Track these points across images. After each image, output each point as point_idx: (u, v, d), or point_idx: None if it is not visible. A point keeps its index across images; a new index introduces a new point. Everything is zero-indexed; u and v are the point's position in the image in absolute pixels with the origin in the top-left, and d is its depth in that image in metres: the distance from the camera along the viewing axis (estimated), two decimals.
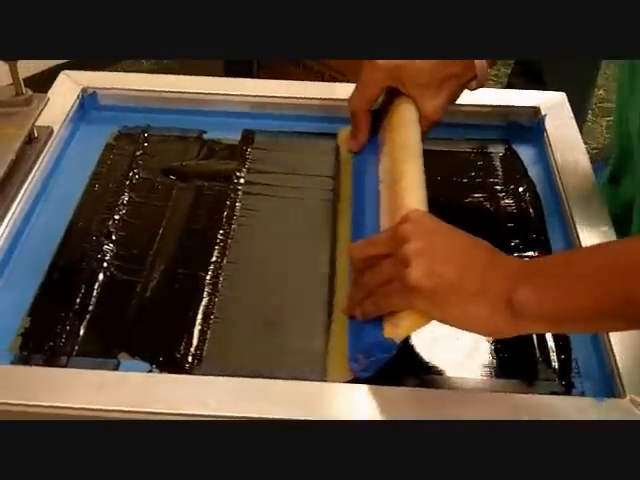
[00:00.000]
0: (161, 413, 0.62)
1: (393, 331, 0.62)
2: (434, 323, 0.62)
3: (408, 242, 0.61)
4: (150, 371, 0.66)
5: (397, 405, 0.63)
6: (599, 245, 0.68)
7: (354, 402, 0.63)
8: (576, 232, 0.78)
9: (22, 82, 0.80)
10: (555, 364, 0.68)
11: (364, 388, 0.64)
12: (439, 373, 0.68)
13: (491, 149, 0.92)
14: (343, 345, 0.67)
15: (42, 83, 0.93)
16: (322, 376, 0.66)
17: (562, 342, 0.70)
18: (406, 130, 0.79)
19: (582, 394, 0.65)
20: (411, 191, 0.71)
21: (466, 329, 0.61)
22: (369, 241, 0.68)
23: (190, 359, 0.67)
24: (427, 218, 0.65)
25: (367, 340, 0.63)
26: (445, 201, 0.84)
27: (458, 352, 0.69)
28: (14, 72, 0.79)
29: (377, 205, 0.75)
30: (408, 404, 0.63)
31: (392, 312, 0.63)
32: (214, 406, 0.62)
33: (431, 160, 0.77)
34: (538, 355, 0.69)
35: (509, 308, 0.57)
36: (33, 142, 0.84)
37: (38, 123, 0.85)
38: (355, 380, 0.64)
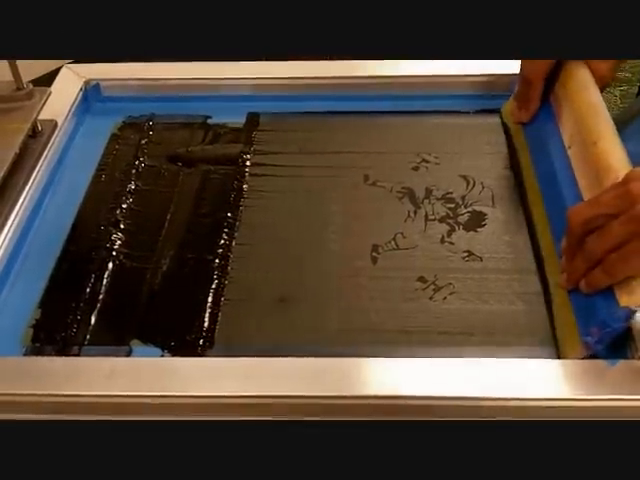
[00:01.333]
0: (175, 396, 0.62)
1: (630, 299, 0.59)
2: None
3: None
4: (162, 356, 0.66)
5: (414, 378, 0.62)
6: None
7: (372, 376, 0.63)
8: None
9: (22, 76, 0.80)
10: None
11: (382, 362, 0.63)
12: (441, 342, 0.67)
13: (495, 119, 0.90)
14: (571, 320, 0.64)
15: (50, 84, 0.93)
16: (336, 353, 0.65)
17: None
18: (588, 92, 0.76)
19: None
20: (614, 151, 0.69)
21: None
22: (591, 202, 0.63)
23: (202, 342, 0.67)
24: None
25: (601, 312, 0.61)
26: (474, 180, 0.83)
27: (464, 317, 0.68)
28: (13, 67, 0.79)
29: (570, 171, 0.72)
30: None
31: (627, 279, 0.60)
32: (229, 387, 0.62)
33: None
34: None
35: None
36: (37, 136, 0.84)
37: (42, 117, 0.85)
38: (592, 356, 0.62)
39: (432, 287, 0.71)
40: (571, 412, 0.60)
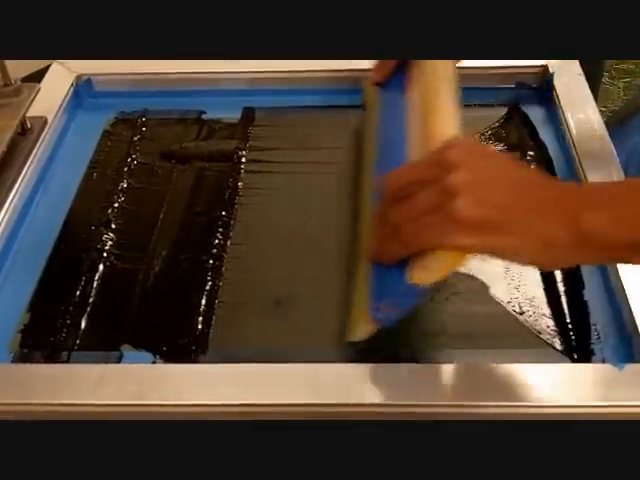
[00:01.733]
0: (167, 405, 0.60)
1: (422, 275, 0.55)
2: None
3: (456, 169, 0.52)
4: (154, 362, 0.64)
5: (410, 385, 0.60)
6: None
7: (371, 384, 0.60)
8: None
9: (9, 72, 0.78)
10: (572, 331, 0.65)
11: (383, 368, 0.61)
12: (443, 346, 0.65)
13: (498, 112, 0.88)
14: (365, 297, 0.60)
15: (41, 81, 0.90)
16: (337, 357, 0.64)
17: (579, 306, 0.67)
18: (440, 63, 0.72)
19: (602, 361, 0.62)
20: (448, 122, 0.64)
21: (519, 260, 0.55)
22: (407, 167, 0.59)
23: (194, 347, 0.65)
24: (474, 143, 0.59)
25: (391, 287, 0.57)
26: None
27: (467, 320, 0.67)
28: (0, 63, 0.77)
29: (405, 139, 0.67)
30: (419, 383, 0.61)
31: (421, 253, 0.55)
32: (223, 394, 0.60)
33: None
34: (554, 322, 0.66)
35: (576, 235, 0.52)
36: (27, 133, 0.82)
37: (32, 114, 0.83)
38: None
39: None
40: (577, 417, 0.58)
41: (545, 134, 0.85)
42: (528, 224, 0.52)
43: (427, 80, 0.71)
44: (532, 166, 0.57)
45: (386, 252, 0.57)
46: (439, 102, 0.67)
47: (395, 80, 0.76)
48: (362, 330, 0.60)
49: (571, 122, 0.82)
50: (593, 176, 0.76)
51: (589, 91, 0.86)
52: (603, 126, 0.81)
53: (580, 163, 0.78)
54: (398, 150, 0.66)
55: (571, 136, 0.81)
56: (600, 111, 0.84)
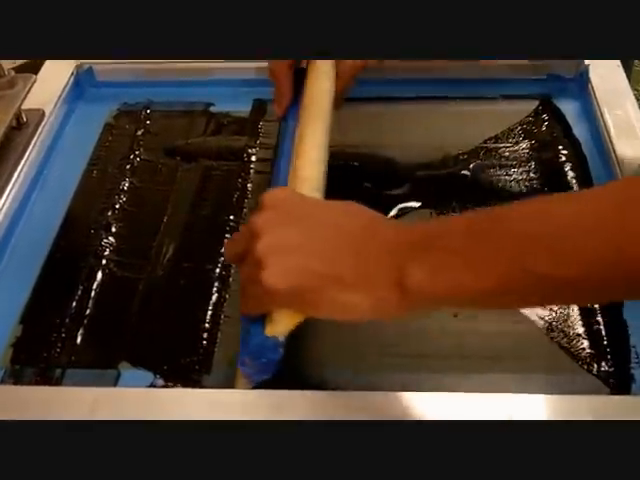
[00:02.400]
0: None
1: (273, 329, 0.55)
2: None
3: (260, 237, 0.51)
4: (152, 384, 0.59)
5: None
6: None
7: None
8: None
9: (2, 63, 0.73)
10: (609, 355, 0.60)
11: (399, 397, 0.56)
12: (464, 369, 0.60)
13: (530, 106, 0.82)
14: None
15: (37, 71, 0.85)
16: (345, 381, 0.59)
17: (617, 326, 0.61)
18: (318, 86, 0.71)
19: None
20: (302, 157, 0.64)
21: (347, 320, 0.52)
22: (230, 240, 0.62)
23: (198, 367, 0.60)
24: (285, 201, 0.54)
25: (251, 341, 0.56)
26: (477, 166, 0.75)
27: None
28: None
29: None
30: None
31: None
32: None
33: (462, 119, 0.71)
34: (586, 342, 0.61)
35: (399, 290, 0.48)
36: (23, 127, 0.76)
37: (28, 106, 0.77)
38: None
39: None
40: None
41: (579, 130, 0.79)
42: (350, 287, 0.49)
43: (304, 105, 0.70)
44: (383, 213, 0.53)
45: (244, 311, 0.57)
46: (304, 132, 0.67)
47: (293, 109, 0.74)
48: (241, 384, 0.58)
49: (608, 118, 0.76)
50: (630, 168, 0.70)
51: (627, 84, 0.80)
52: None
53: (617, 163, 0.72)
54: None
55: (608, 133, 0.75)
56: None
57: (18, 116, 0.76)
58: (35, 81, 0.76)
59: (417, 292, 0.47)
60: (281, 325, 0.55)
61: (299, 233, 0.51)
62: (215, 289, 0.66)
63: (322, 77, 0.72)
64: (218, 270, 0.67)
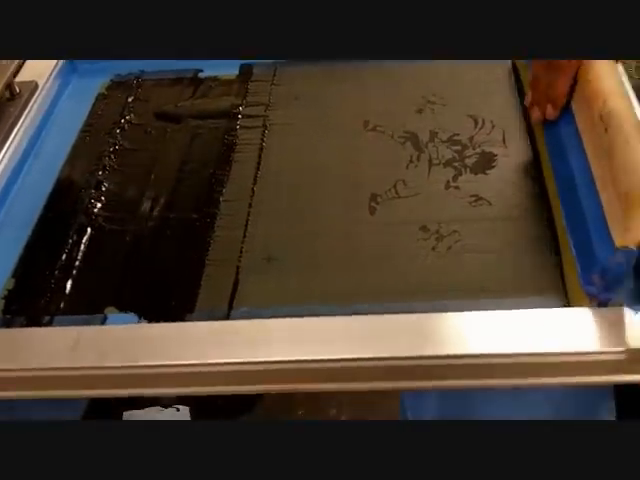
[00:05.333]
0: (147, 366, 0.56)
1: (625, 238, 0.52)
2: None
3: None
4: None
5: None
6: None
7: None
8: None
9: None
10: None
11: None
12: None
13: None
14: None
15: None
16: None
17: None
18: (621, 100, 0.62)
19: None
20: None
21: None
22: None
23: (181, 306, 0.61)
24: None
25: (599, 257, 0.54)
26: None
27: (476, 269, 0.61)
28: None
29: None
30: None
31: (619, 219, 0.53)
32: (209, 354, 0.56)
33: None
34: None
35: None
36: (16, 98, 0.78)
37: (22, 79, 0.80)
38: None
39: (435, 237, 0.64)
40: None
41: None
42: None
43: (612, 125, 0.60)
44: None
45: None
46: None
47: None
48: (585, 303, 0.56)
49: None
50: None
51: None
52: None
53: None
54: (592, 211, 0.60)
55: None
56: None
57: (11, 87, 0.78)
58: None
59: None
60: (636, 232, 0.52)
61: None
62: (199, 237, 0.67)
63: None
64: (203, 219, 0.68)
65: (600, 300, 0.55)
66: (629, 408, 0.57)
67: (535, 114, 0.69)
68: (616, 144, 0.57)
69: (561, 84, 0.66)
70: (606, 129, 0.58)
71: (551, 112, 0.68)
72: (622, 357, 0.53)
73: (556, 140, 0.67)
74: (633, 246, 0.52)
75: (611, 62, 0.65)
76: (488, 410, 0.60)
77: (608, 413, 0.60)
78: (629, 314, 0.54)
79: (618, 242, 0.53)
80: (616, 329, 0.53)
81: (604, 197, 0.57)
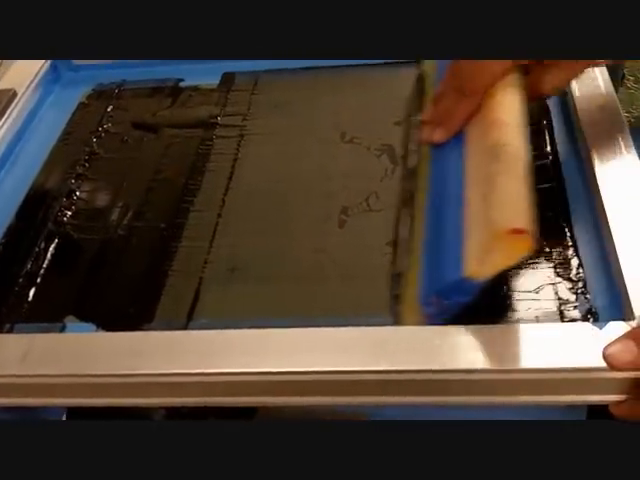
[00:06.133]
0: (96, 375, 0.55)
1: (478, 270, 0.49)
2: None
3: None
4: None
5: None
6: None
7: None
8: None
9: None
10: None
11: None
12: None
13: None
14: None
15: None
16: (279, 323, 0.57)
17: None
18: (509, 103, 0.59)
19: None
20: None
21: None
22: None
23: (140, 316, 0.60)
24: None
25: (446, 280, 0.52)
26: None
27: None
28: None
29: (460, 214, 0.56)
30: None
31: (477, 245, 0.50)
32: (156, 364, 0.55)
33: None
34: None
35: None
36: None
37: (0, 86, 0.79)
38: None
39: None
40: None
41: None
42: None
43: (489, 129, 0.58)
44: None
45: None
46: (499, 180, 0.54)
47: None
48: (414, 321, 0.55)
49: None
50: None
51: None
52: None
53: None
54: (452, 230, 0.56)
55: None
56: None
57: None
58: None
59: None
60: (489, 267, 0.49)
61: None
62: (166, 246, 0.66)
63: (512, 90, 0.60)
64: (170, 229, 0.67)
65: (432, 320, 0.53)
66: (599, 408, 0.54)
67: (425, 134, 0.65)
68: (501, 176, 0.53)
69: (463, 109, 0.61)
70: (496, 159, 0.54)
71: (441, 136, 0.63)
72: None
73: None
74: (481, 279, 0.49)
75: (517, 91, 0.60)
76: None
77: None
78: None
79: (468, 272, 0.50)
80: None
81: (468, 224, 0.54)
